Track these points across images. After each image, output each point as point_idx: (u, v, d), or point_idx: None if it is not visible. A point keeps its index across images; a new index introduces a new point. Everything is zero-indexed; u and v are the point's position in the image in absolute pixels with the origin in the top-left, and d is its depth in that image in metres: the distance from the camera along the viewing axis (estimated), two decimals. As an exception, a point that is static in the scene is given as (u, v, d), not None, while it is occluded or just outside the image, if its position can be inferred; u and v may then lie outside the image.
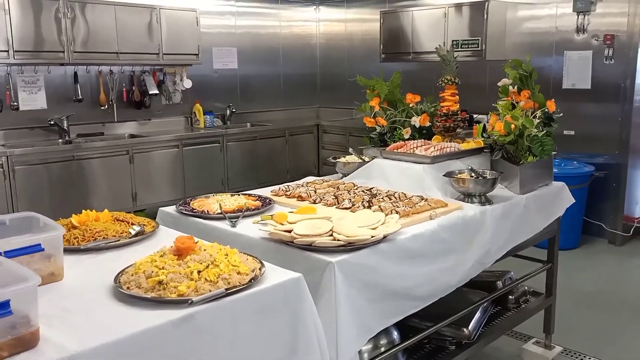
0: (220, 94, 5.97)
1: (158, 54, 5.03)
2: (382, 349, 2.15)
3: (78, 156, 4.45)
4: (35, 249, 1.52)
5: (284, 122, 6.24)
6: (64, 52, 4.46)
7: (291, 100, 6.65)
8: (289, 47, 6.55)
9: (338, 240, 1.76)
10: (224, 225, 2.14)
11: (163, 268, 1.49)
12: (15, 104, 4.53)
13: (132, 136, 5.17)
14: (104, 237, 1.91)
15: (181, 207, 2.34)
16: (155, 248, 1.89)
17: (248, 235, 2.01)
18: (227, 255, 1.58)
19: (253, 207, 2.29)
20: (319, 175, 6.28)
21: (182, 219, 2.27)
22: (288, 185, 2.66)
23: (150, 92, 5.20)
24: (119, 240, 1.91)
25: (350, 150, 2.92)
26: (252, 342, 1.48)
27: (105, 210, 2.09)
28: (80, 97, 4.86)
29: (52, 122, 4.74)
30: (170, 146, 5.05)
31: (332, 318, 1.69)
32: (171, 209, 2.39)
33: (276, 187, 2.65)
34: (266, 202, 2.37)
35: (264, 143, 5.76)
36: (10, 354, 1.18)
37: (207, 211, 2.26)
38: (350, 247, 1.76)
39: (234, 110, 5.94)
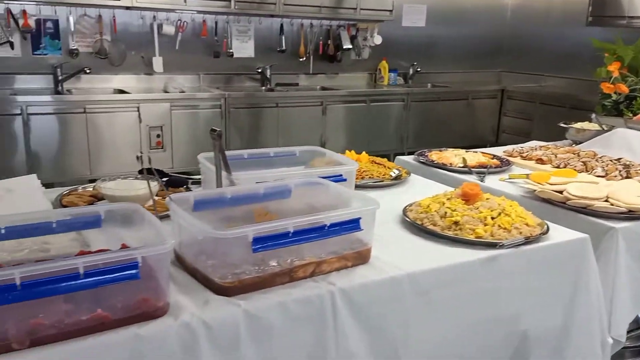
0: (405, 52, 5.98)
1: (355, 8, 5.14)
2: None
3: (281, 104, 4.77)
4: (339, 178, 1.70)
5: (464, 84, 6.10)
6: (275, 4, 4.74)
7: (472, 62, 6.46)
8: (478, 6, 6.32)
9: (618, 206, 1.72)
10: (470, 178, 2.19)
11: (455, 210, 1.58)
12: (231, 51, 4.95)
13: (323, 88, 5.40)
14: (370, 177, 2.06)
15: (421, 158, 2.44)
16: (410, 191, 2.02)
17: (503, 190, 2.03)
18: (511, 206, 1.63)
19: (494, 165, 2.31)
20: (496, 143, 6.12)
21: (422, 168, 2.37)
22: (522, 147, 2.62)
23: (344, 47, 5.37)
24: (382, 181, 2.06)
25: (593, 117, 2.79)
26: (537, 293, 1.52)
27: (364, 152, 2.24)
28: (283, 47, 5.16)
29: (259, 70, 5.11)
30: (357, 101, 5.20)
31: (608, 286, 1.67)
32: (409, 158, 2.50)
33: (509, 148, 2.64)
34: (504, 162, 2.38)
35: (444, 105, 5.70)
36: (353, 265, 1.35)
37: (451, 164, 2.32)
38: (632, 215, 1.71)
39: (418, 69, 5.92)
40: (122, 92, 4.47)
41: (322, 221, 1.26)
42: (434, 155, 2.46)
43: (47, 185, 1.86)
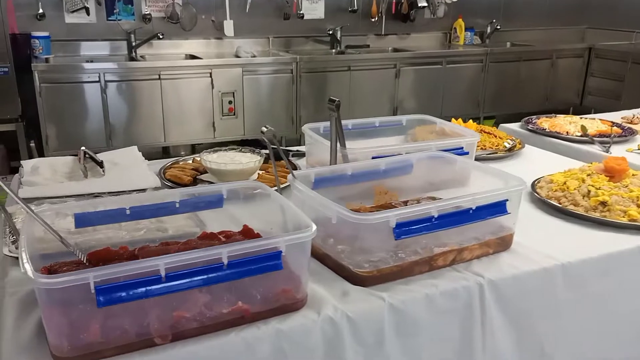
0: (484, 9, 5.62)
1: (431, -37, 4.82)
2: None
3: (353, 67, 4.58)
4: (460, 152, 1.54)
5: (546, 43, 5.69)
6: (347, -39, 4.50)
7: (555, 18, 6.00)
8: (561, -43, 5.84)
9: None
10: (592, 149, 1.98)
11: (600, 189, 1.40)
12: (301, 12, 4.77)
13: (395, 50, 5.16)
14: (482, 148, 1.89)
15: (530, 125, 2.24)
16: (528, 164, 1.84)
17: (634, 163, 1.82)
18: (662, 183, 1.43)
19: (617, 134, 2.09)
20: (581, 107, 5.73)
21: (532, 137, 2.17)
22: (642, 113, 2.37)
23: (419, 4, 5.08)
24: (495, 153, 1.89)
25: None
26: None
27: (470, 120, 2.06)
28: (355, 7, 4.94)
29: (330, 32, 4.92)
30: (432, 62, 4.94)
31: None
32: (515, 126, 2.31)
33: (628, 114, 2.39)
34: (627, 130, 2.15)
35: (525, 65, 5.34)
36: (494, 251, 1.21)
37: (567, 132, 2.11)
38: None
39: (497, 27, 5.55)
40: (193, 57, 4.41)
41: (467, 204, 1.12)
42: (545, 123, 2.25)
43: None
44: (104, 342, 0.87)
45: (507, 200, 1.16)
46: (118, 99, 3.93)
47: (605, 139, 2.01)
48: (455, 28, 5.51)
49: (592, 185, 1.41)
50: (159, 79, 3.99)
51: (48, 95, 3.73)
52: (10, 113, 3.60)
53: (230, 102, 4.22)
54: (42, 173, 1.54)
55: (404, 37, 5.43)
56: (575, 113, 5.75)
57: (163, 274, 0.86)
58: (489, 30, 5.63)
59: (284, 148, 1.97)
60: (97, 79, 3.83)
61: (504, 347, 1.14)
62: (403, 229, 1.05)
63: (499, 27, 5.56)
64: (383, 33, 5.26)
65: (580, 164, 1.73)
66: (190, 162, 1.78)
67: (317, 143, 1.58)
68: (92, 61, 4.04)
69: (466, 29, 5.49)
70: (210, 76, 4.12)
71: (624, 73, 5.18)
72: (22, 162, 1.61)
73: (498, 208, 1.15)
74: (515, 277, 1.12)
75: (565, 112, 5.76)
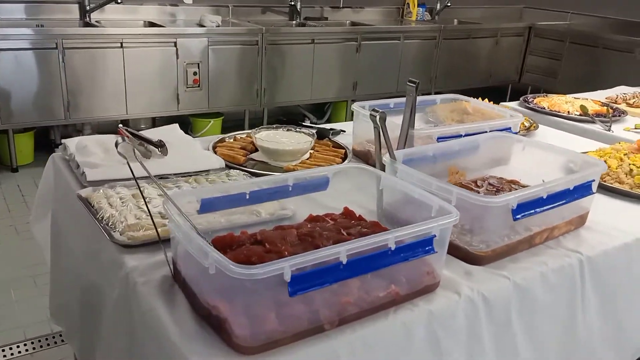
0: (433, -14, 5.76)
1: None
2: None
3: (317, 40, 4.55)
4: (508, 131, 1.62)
5: (489, 20, 5.93)
6: None
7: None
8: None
9: None
10: (594, 128, 2.14)
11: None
12: (264, -19, 4.65)
13: (353, 24, 5.18)
14: (506, 128, 1.99)
15: (529, 104, 2.37)
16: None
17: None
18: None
19: (610, 113, 2.27)
20: (519, 83, 6.07)
21: (533, 116, 2.30)
22: (625, 94, 2.57)
23: (376, -21, 5.11)
24: (517, 133, 1.99)
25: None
26: None
27: (486, 99, 2.15)
28: (316, -21, 4.88)
29: (292, 3, 4.86)
30: (391, 37, 5.02)
31: None
32: (514, 104, 2.43)
33: (611, 94, 2.59)
34: (616, 110, 2.33)
35: (473, 43, 5.56)
36: (575, 228, 1.30)
37: (568, 112, 2.27)
38: None
39: (448, 4, 5.71)
40: (152, 24, 4.18)
41: (566, 185, 1.20)
42: (544, 102, 2.39)
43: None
44: (281, 331, 0.86)
45: (593, 180, 1.25)
46: (77, 68, 3.66)
47: (604, 118, 2.18)
48: (408, 3, 5.61)
49: (634, 165, 1.55)
50: (122, 47, 3.76)
51: (1, 63, 3.41)
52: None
53: (195, 74, 4.06)
54: (95, 152, 1.44)
55: (358, 11, 5.45)
56: (514, 90, 6.13)
57: (344, 260, 0.86)
58: (438, 6, 5.78)
59: (325, 126, 1.96)
60: (55, 46, 3.54)
61: (597, 323, 1.24)
62: (521, 210, 1.11)
63: (449, 4, 5.73)
64: (341, 5, 5.26)
65: (599, 145, 1.87)
66: (231, 140, 1.73)
67: (367, 120, 1.58)
68: (42, 26, 3.72)
69: (417, 5, 5.61)
70: (175, 46, 3.94)
71: (561, 52, 5.55)
72: (64, 140, 1.49)
73: (589, 188, 1.24)
74: (606, 252, 1.22)
75: (504, 89, 6.11)
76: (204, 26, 4.17)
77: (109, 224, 1.14)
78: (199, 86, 4.12)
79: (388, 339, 0.94)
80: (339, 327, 0.91)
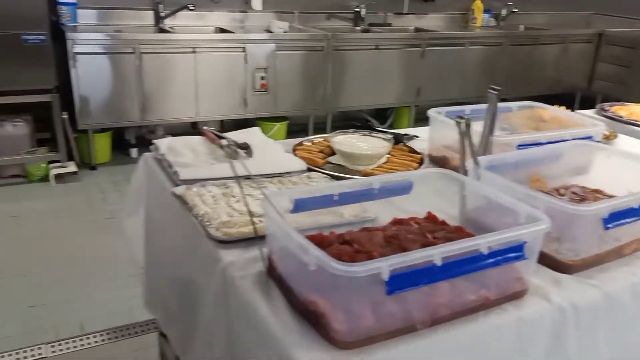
0: (500, -10, 5.67)
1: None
2: None
3: (381, 45, 4.57)
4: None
5: (556, 27, 5.78)
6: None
7: (560, 2, 6.08)
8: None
9: None
10: (679, 138, 2.07)
11: None
12: (330, -12, 4.73)
13: (417, 30, 5.17)
14: (585, 136, 1.95)
15: (606, 113, 2.31)
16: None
17: None
18: None
19: (696, 124, 2.18)
20: (589, 90, 5.87)
21: (609, 124, 2.24)
22: None
23: (441, -15, 5.09)
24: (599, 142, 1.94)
25: None
26: None
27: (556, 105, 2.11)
28: (379, -15, 4.92)
29: (357, 10, 4.91)
30: (456, 44, 4.97)
31: None
32: (590, 112, 2.37)
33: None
34: (702, 120, 2.24)
35: (539, 49, 5.43)
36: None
37: (650, 122, 2.19)
38: None
39: (513, 10, 5.61)
40: (223, 30, 4.32)
41: (658, 195, 1.17)
42: (622, 111, 2.32)
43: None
44: (377, 328, 0.89)
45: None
46: (151, 72, 3.84)
47: (690, 129, 2.10)
48: (473, 9, 5.54)
49: None
50: (194, 52, 3.91)
51: (82, 66, 3.62)
52: (45, 83, 3.48)
53: (262, 78, 4.17)
54: (184, 153, 1.52)
55: (421, 17, 5.44)
56: (583, 98, 5.94)
57: (439, 262, 0.88)
58: (504, 12, 5.68)
59: (399, 131, 1.98)
60: (132, 51, 3.73)
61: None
62: (612, 220, 1.10)
63: (515, 10, 5.62)
64: (405, 12, 5.26)
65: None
66: (309, 143, 1.78)
67: (444, 127, 1.59)
68: (120, 31, 3.92)
69: (483, 11, 5.53)
70: (244, 51, 4.06)
71: (632, 59, 5.33)
72: (155, 141, 1.58)
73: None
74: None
75: (571, 96, 5.92)
76: (272, 32, 4.28)
77: (204, 220, 1.21)
78: (266, 90, 4.22)
79: (478, 342, 0.95)
80: (431, 328, 0.93)
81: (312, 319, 0.91)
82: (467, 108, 1.79)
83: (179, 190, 1.34)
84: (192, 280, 1.22)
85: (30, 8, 3.29)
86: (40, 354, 2.13)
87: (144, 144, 4.24)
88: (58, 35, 3.61)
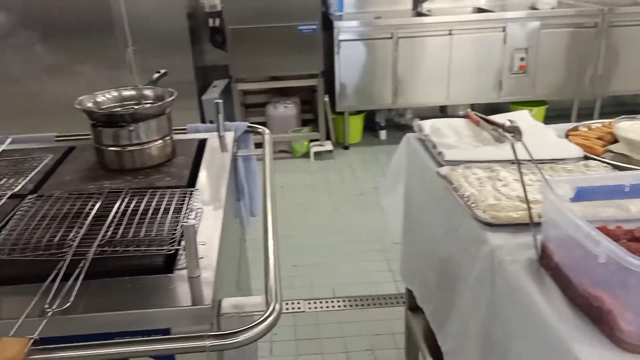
0: None
1: None
2: None
3: None
4: None
5: None
6: None
7: None
8: None
9: None
10: None
11: None
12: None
13: None
14: None
15: None
16: None
17: None
18: None
19: None
20: None
21: None
22: None
23: None
24: None
25: None
26: None
27: None
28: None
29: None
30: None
31: None
32: None
33: None
34: None
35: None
36: None
37: None
38: None
39: None
40: (482, 10, 4.18)
41: None
42: None
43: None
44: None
45: None
46: (407, 56, 3.93)
47: None
48: None
49: None
50: (450, 34, 3.87)
51: (344, 52, 3.88)
52: (313, 69, 3.84)
53: (522, 59, 3.92)
54: (448, 135, 1.51)
55: None
56: None
57: None
58: None
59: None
60: (390, 36, 3.86)
61: None
62: None
63: None
64: None
65: None
66: (586, 129, 1.61)
67: None
68: (379, 17, 4.08)
69: None
70: (504, 31, 3.87)
71: None
72: (419, 122, 1.61)
73: None
74: None
75: None
76: (536, 9, 3.98)
77: (470, 202, 1.18)
78: (524, 72, 3.97)
79: None
80: None
81: (594, 314, 0.82)
82: None
83: (444, 170, 1.33)
84: (452, 257, 1.21)
85: (305, 0, 3.65)
86: (299, 307, 2.40)
87: (393, 126, 4.40)
88: (326, 24, 3.93)
